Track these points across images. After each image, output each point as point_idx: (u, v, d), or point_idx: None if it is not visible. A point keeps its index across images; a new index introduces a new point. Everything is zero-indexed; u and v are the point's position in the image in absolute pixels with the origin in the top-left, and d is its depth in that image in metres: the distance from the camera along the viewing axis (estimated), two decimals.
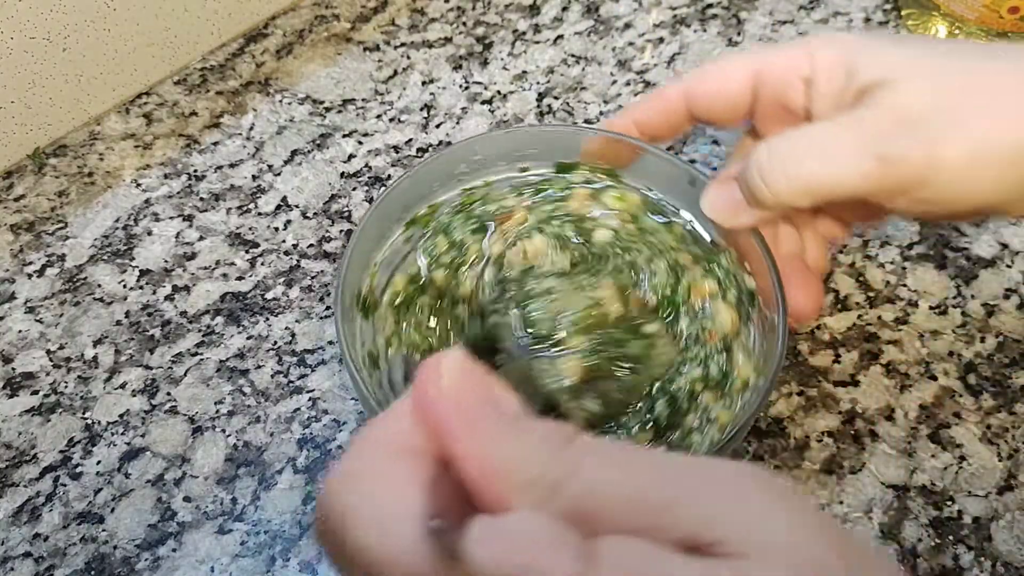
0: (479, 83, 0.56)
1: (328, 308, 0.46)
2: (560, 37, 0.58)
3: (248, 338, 0.45)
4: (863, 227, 0.47)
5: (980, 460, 0.40)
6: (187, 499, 0.40)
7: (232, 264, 0.48)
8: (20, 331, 0.46)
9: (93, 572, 0.38)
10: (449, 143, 0.53)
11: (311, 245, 0.49)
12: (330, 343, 0.45)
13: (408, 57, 0.57)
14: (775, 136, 0.33)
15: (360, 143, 0.53)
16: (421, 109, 0.54)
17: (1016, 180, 0.30)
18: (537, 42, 0.58)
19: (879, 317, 0.44)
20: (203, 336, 0.45)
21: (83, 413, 0.43)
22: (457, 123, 0.54)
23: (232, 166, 0.53)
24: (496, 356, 0.37)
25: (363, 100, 0.55)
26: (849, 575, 0.18)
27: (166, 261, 0.49)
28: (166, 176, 0.52)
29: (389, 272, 0.39)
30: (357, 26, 0.59)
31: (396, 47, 0.58)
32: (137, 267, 0.48)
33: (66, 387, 0.44)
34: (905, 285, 0.45)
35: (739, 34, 0.57)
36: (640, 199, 0.41)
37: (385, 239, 0.39)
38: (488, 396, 0.21)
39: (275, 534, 0.39)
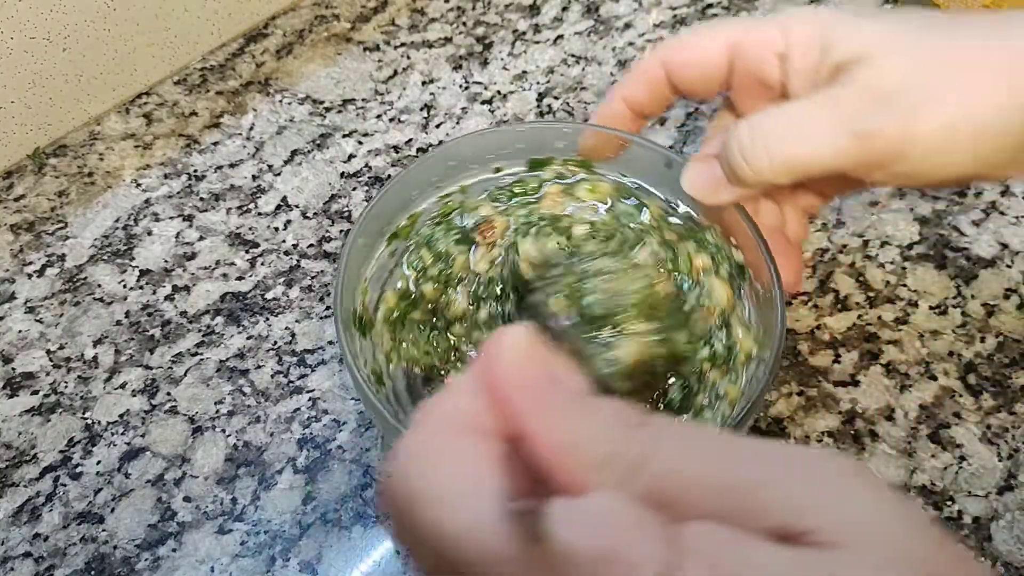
0: (479, 83, 0.56)
1: (328, 308, 0.46)
2: (560, 37, 0.58)
3: (248, 338, 0.45)
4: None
5: (980, 460, 0.40)
6: (187, 499, 0.40)
7: (232, 264, 0.48)
8: (20, 331, 0.46)
9: (93, 572, 0.38)
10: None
11: (311, 245, 0.49)
12: (330, 343, 0.45)
13: (408, 57, 0.57)
14: (754, 115, 0.34)
15: (360, 143, 0.53)
16: (421, 109, 0.54)
17: (991, 150, 0.31)
18: (537, 42, 0.57)
19: (879, 317, 0.44)
20: (203, 336, 0.45)
21: (83, 413, 0.43)
22: (457, 123, 0.54)
23: (232, 166, 0.53)
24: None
25: (363, 100, 0.55)
26: (944, 572, 0.17)
27: (166, 261, 0.49)
28: (166, 176, 0.52)
29: (379, 288, 0.39)
30: (357, 26, 0.59)
31: (396, 47, 0.58)
32: (137, 267, 0.48)
33: (66, 387, 0.44)
34: (905, 285, 0.45)
35: None
36: (612, 187, 0.42)
37: (371, 255, 0.39)
38: (553, 372, 0.20)
39: (275, 534, 0.39)
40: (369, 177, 0.52)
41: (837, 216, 0.48)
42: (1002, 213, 0.48)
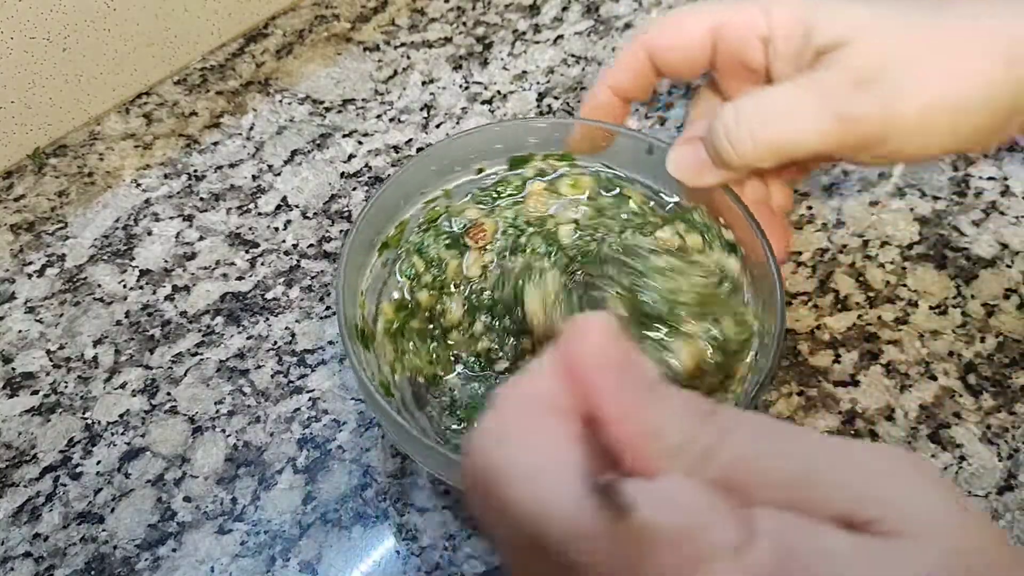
0: (479, 83, 0.56)
1: (327, 308, 0.46)
2: (560, 37, 0.58)
3: (248, 338, 0.45)
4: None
5: (980, 460, 0.40)
6: (187, 499, 0.40)
7: (232, 264, 0.48)
8: (20, 331, 0.46)
9: (93, 572, 0.38)
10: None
11: (311, 245, 0.49)
12: (330, 343, 0.45)
13: (408, 57, 0.57)
14: (739, 98, 0.35)
15: (360, 143, 0.53)
16: (421, 109, 0.54)
17: (971, 128, 0.32)
18: (537, 42, 0.58)
19: (879, 317, 0.44)
20: (203, 336, 0.45)
21: (83, 413, 0.43)
22: (457, 123, 0.54)
23: (232, 166, 0.53)
24: None
25: (363, 100, 0.55)
26: (1004, 566, 0.18)
27: (166, 261, 0.49)
28: (166, 176, 0.52)
29: (376, 300, 0.39)
30: (357, 26, 0.59)
31: (396, 47, 0.58)
32: (137, 267, 0.48)
33: (66, 387, 0.44)
34: (905, 285, 0.45)
35: None
36: (593, 179, 0.42)
37: (365, 266, 0.39)
38: (631, 359, 0.21)
39: (275, 534, 0.39)
40: (369, 177, 0.52)
41: (837, 216, 0.48)
42: (1002, 213, 0.48)
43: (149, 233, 0.50)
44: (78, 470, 0.41)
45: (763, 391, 0.33)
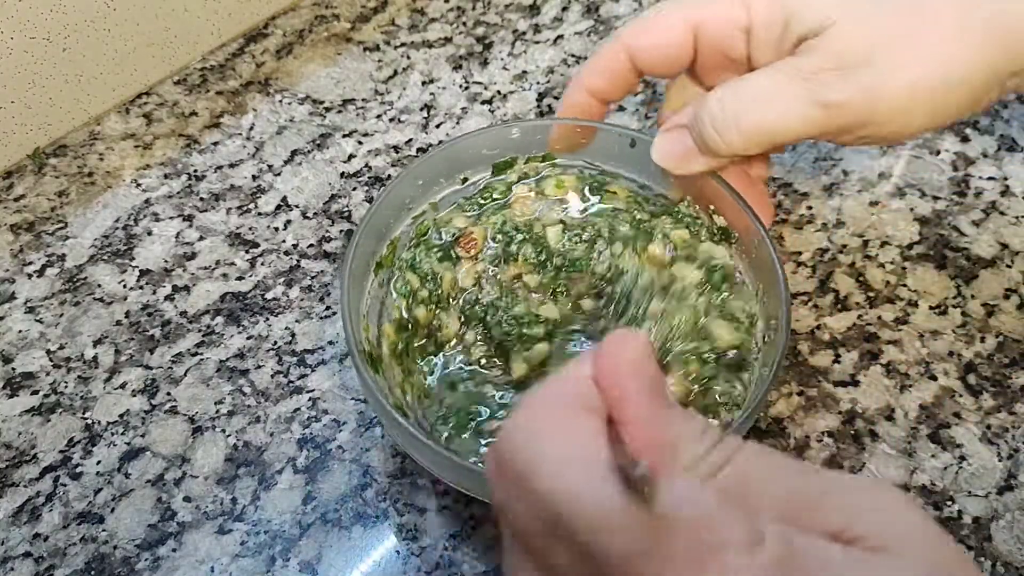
0: (479, 83, 0.56)
1: (327, 308, 0.46)
2: (560, 37, 0.58)
3: (248, 338, 0.45)
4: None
5: (980, 460, 0.40)
6: (187, 499, 0.40)
7: (232, 264, 0.48)
8: (20, 331, 0.46)
9: (93, 572, 0.38)
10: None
11: (311, 245, 0.49)
12: (330, 343, 0.45)
13: (408, 57, 0.57)
14: (723, 87, 0.35)
15: (360, 143, 0.53)
16: (421, 109, 0.54)
17: (953, 105, 0.33)
18: (537, 42, 0.58)
19: (879, 317, 0.44)
20: (203, 336, 0.45)
21: (83, 413, 0.43)
22: (457, 123, 0.54)
23: (232, 166, 0.53)
24: None
25: (363, 100, 0.55)
26: None
27: (166, 261, 0.49)
28: (166, 176, 0.52)
29: (376, 322, 0.39)
30: (357, 26, 0.59)
31: (396, 47, 0.58)
32: (137, 267, 0.48)
33: (66, 387, 0.44)
34: (905, 285, 0.45)
35: None
36: (576, 178, 0.42)
37: (364, 289, 0.39)
38: (659, 379, 0.23)
39: (275, 534, 0.39)
40: (369, 177, 0.52)
41: (837, 216, 0.48)
42: (1002, 213, 0.48)
43: (149, 233, 0.50)
44: (78, 470, 0.41)
45: (776, 373, 0.34)
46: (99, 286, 0.48)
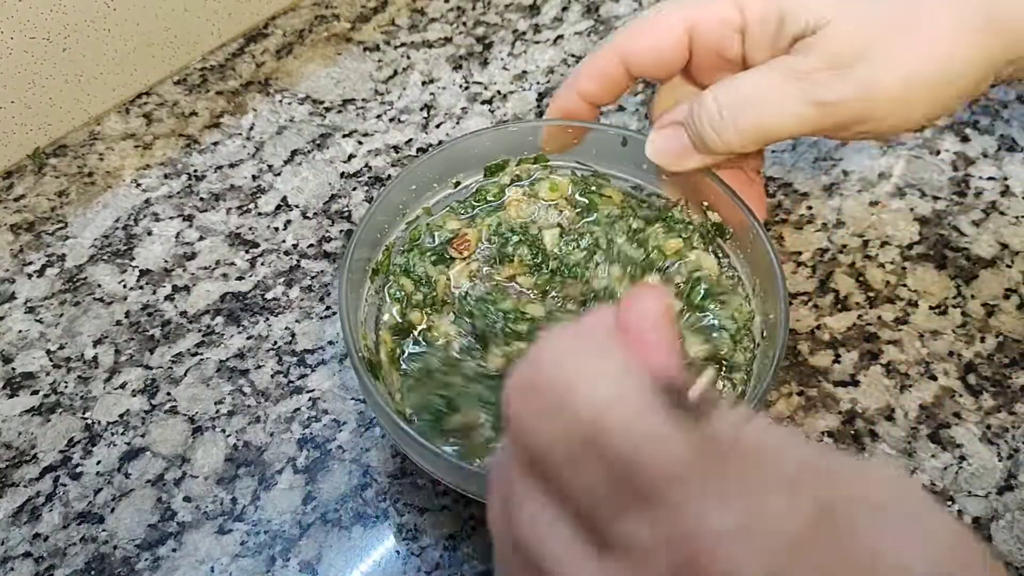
0: (479, 83, 0.56)
1: (327, 308, 0.46)
2: (560, 37, 0.58)
3: (248, 338, 0.45)
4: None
5: (980, 460, 0.40)
6: (187, 499, 0.40)
7: (232, 264, 0.48)
8: (20, 331, 0.46)
9: (93, 572, 0.38)
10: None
11: (311, 245, 0.49)
12: (330, 343, 0.45)
13: (408, 57, 0.57)
14: (719, 86, 0.35)
15: (360, 143, 0.53)
16: (421, 109, 0.54)
17: (948, 98, 0.34)
18: (537, 42, 0.58)
19: (879, 317, 0.44)
20: (203, 336, 0.45)
21: (83, 413, 0.43)
22: (457, 123, 0.54)
23: (232, 166, 0.53)
24: None
25: (363, 100, 0.55)
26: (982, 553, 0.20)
27: (166, 261, 0.49)
28: (166, 176, 0.52)
29: (374, 328, 0.39)
30: (357, 26, 0.59)
31: (396, 47, 0.58)
32: (137, 267, 0.48)
33: (66, 387, 0.44)
34: (905, 285, 0.45)
35: None
36: (569, 180, 0.42)
37: (360, 295, 0.39)
38: (676, 340, 0.23)
39: (275, 534, 0.39)
40: (369, 177, 0.52)
41: (837, 216, 0.48)
42: (1002, 213, 0.48)
43: (149, 233, 0.50)
44: (78, 470, 0.41)
45: (781, 362, 0.34)
46: (99, 286, 0.48)
